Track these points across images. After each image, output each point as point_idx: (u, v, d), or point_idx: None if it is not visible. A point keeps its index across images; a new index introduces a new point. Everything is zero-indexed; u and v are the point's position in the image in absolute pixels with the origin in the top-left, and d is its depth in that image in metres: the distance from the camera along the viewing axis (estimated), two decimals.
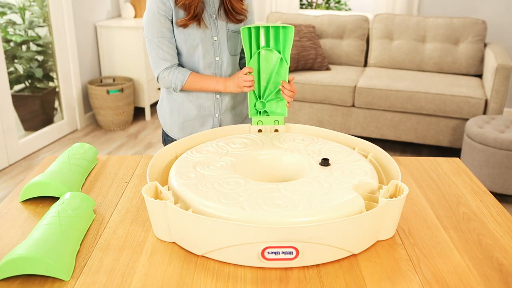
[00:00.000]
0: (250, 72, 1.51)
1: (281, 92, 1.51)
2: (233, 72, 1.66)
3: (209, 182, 1.16)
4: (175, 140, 1.72)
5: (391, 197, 1.13)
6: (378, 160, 1.33)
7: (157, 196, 1.14)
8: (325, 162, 1.24)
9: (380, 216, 1.07)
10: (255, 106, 1.52)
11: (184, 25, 1.53)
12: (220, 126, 1.69)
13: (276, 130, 1.50)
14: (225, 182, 1.16)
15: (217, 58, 1.60)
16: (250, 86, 1.51)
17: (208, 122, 1.68)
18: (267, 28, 1.47)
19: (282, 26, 1.44)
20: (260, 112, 1.53)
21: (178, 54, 1.60)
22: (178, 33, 1.55)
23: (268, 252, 0.99)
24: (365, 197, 1.14)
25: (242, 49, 1.68)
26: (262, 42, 1.50)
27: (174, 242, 1.10)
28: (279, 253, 0.99)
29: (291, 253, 0.99)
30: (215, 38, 1.58)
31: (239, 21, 1.61)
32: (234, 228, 0.98)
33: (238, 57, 1.68)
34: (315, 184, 1.15)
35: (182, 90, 1.61)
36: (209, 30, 1.57)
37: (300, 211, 1.04)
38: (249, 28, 1.47)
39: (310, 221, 1.02)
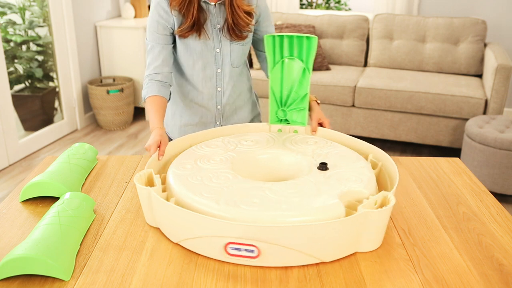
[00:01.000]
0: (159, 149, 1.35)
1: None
2: (235, 85, 1.63)
3: (200, 175, 1.19)
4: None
5: (381, 207, 1.09)
6: (387, 170, 1.28)
7: (152, 183, 1.19)
8: (323, 166, 1.22)
9: (355, 226, 1.02)
10: (276, 114, 1.51)
11: (183, 36, 1.50)
12: None
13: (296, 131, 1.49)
14: (215, 176, 1.18)
15: (219, 70, 1.57)
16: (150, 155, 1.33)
17: (210, 128, 1.67)
18: (290, 38, 1.46)
19: (306, 36, 1.43)
20: (281, 120, 1.52)
21: (180, 64, 1.58)
22: (179, 43, 1.53)
23: (231, 248, 1.00)
24: (351, 205, 1.11)
25: (255, 54, 1.66)
26: (286, 51, 1.48)
27: (174, 243, 1.10)
28: (241, 250, 1.00)
29: (252, 251, 0.99)
30: (218, 50, 1.54)
31: (242, 38, 1.55)
32: (200, 220, 1.01)
33: (239, 69, 1.63)
34: (303, 186, 1.13)
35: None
36: (210, 41, 1.53)
37: (271, 211, 1.03)
38: (273, 37, 1.46)
39: (274, 221, 1.01)
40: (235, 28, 1.52)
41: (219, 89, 1.60)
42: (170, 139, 1.73)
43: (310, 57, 1.45)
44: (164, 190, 1.19)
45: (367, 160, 1.33)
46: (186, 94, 1.62)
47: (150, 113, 1.47)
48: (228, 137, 1.41)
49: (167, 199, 1.15)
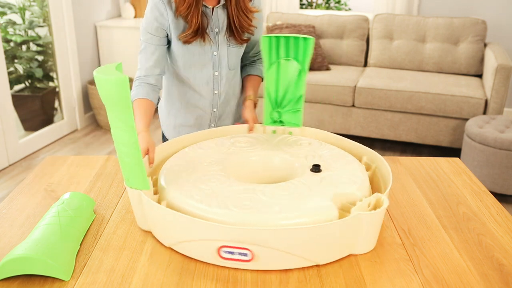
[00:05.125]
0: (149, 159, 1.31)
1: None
2: (230, 88, 1.63)
3: (192, 177, 1.18)
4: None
5: (374, 209, 1.08)
6: (381, 172, 1.27)
7: None
8: (316, 168, 1.19)
9: (349, 228, 1.01)
10: (271, 115, 1.51)
11: (187, 41, 1.48)
12: None
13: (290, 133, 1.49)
14: (207, 178, 1.17)
15: (216, 73, 1.57)
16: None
17: (204, 129, 1.66)
18: (287, 38, 1.45)
19: (303, 37, 1.42)
20: (275, 121, 1.52)
21: (176, 65, 1.56)
22: (177, 46, 1.51)
23: (224, 251, 0.99)
24: (344, 207, 1.09)
25: (242, 57, 1.67)
26: (282, 52, 1.47)
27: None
28: (234, 253, 0.99)
29: (245, 254, 0.98)
30: (215, 53, 1.54)
31: (243, 41, 1.55)
32: (192, 224, 0.99)
33: (235, 71, 1.63)
34: (295, 189, 1.11)
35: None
36: (208, 44, 1.52)
37: (263, 213, 1.02)
38: (270, 37, 1.44)
39: (266, 224, 1.00)
40: (238, 30, 1.52)
41: (216, 91, 1.60)
42: (166, 139, 1.73)
43: (307, 58, 1.44)
44: (155, 193, 1.17)
45: (361, 162, 1.32)
46: (183, 95, 1.62)
47: (136, 116, 1.44)
48: (222, 138, 1.40)
49: (159, 202, 1.13)
